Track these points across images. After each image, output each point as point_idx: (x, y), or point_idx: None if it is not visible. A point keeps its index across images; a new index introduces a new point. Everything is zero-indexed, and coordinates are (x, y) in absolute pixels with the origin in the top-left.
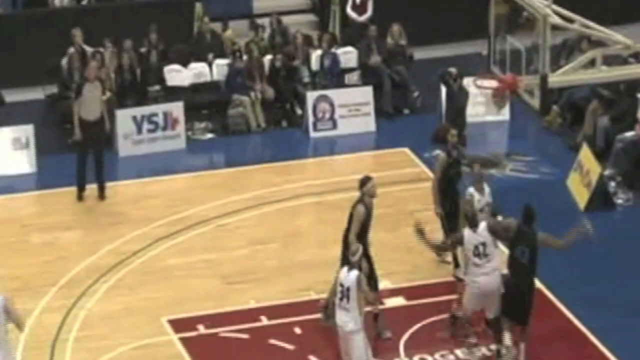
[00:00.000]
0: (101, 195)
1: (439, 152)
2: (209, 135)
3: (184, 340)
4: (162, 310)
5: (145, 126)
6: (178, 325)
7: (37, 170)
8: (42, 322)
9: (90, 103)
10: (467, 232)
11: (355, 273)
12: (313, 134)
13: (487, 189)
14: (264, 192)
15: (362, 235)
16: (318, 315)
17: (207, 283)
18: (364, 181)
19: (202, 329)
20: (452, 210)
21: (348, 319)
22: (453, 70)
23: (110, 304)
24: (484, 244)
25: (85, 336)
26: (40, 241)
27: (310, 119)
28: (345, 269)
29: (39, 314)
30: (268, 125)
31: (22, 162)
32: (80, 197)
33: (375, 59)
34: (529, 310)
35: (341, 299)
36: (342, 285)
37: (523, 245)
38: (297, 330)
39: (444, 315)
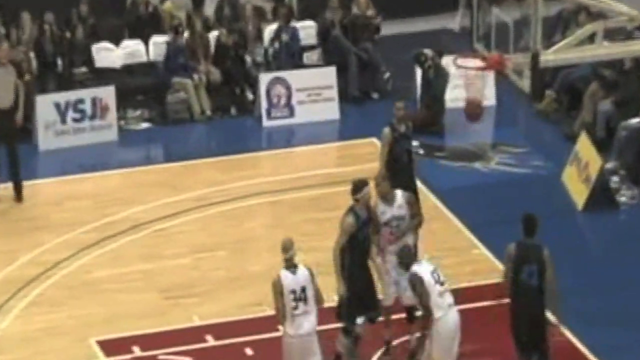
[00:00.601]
0: (18, 196)
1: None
2: (145, 125)
3: None
4: (90, 329)
5: (70, 115)
6: (110, 347)
7: None
8: None
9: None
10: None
11: (302, 269)
12: (267, 123)
13: (399, 200)
14: (209, 191)
15: (354, 250)
16: (271, 335)
17: (143, 298)
18: (359, 186)
19: (137, 351)
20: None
21: (314, 320)
22: (428, 51)
23: (29, 323)
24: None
25: None
26: None
27: (264, 105)
28: (284, 273)
29: None
30: (214, 112)
31: None
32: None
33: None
34: (545, 342)
35: (296, 306)
36: (293, 290)
37: (530, 264)
38: (249, 352)
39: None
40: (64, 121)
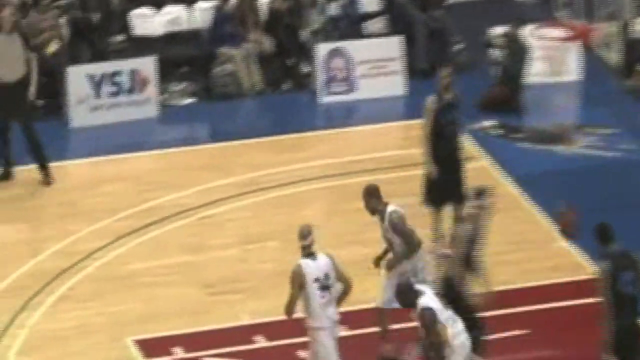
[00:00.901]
0: (45, 179)
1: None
2: (188, 100)
3: None
4: (126, 328)
5: (106, 88)
6: (148, 347)
7: None
8: None
9: (4, 60)
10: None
11: (322, 256)
12: (324, 99)
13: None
14: (259, 174)
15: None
16: None
17: (185, 293)
18: (483, 193)
19: (179, 353)
20: (447, 171)
21: (335, 310)
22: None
23: (59, 320)
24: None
25: None
26: None
27: (321, 79)
28: (304, 261)
29: None
30: (265, 87)
31: None
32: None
33: None
34: None
35: (323, 295)
36: (317, 278)
37: (629, 271)
38: (302, 354)
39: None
40: (98, 95)
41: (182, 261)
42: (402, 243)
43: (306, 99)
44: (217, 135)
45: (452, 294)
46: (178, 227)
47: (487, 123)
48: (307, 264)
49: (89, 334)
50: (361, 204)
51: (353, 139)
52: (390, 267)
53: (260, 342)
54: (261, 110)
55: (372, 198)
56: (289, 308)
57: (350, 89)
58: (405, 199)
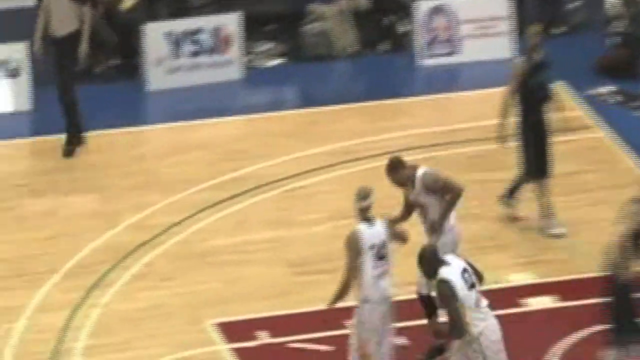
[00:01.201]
0: (67, 148)
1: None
2: (275, 62)
3: (238, 352)
4: (206, 309)
5: (186, 48)
6: (229, 331)
7: (32, 108)
8: (39, 325)
9: (54, 14)
10: None
11: (379, 222)
12: (424, 62)
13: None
14: (352, 143)
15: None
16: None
17: (270, 272)
18: None
19: (264, 337)
20: (531, 139)
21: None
22: None
23: (133, 300)
24: None
25: (100, 345)
26: (35, 209)
27: (421, 40)
28: (361, 226)
29: (32, 313)
30: (360, 48)
31: (11, 96)
32: (68, 152)
33: None
34: None
35: (377, 265)
36: (372, 246)
37: None
38: (397, 340)
39: None
40: (177, 56)
41: (267, 237)
42: (439, 198)
43: (404, 62)
44: (306, 100)
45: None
46: (263, 200)
47: (604, 89)
48: (363, 229)
49: (164, 316)
50: (458, 177)
51: (455, 106)
52: (436, 229)
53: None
54: (355, 73)
55: (400, 169)
56: (347, 279)
57: (453, 51)
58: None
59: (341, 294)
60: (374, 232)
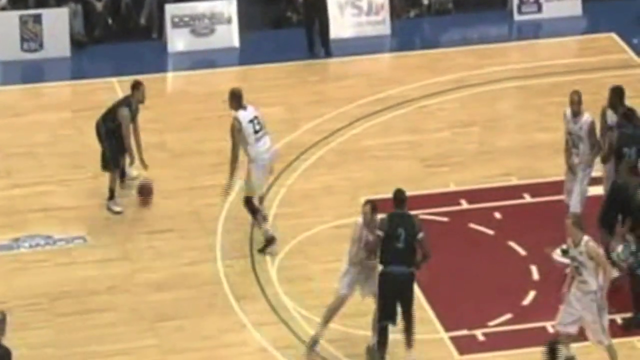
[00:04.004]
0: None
1: None
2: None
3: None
4: (361, 190)
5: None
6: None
7: (239, 46)
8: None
9: None
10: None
11: (250, 106)
12: (517, 17)
13: None
14: (466, 74)
15: None
16: (517, 201)
17: (407, 165)
18: None
19: None
20: None
21: None
22: None
23: (309, 182)
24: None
25: (285, 213)
26: None
27: (515, 1)
28: (240, 111)
29: (239, 190)
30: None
31: (225, 37)
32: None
33: None
34: None
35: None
36: (251, 120)
37: None
38: (497, 216)
39: None
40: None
41: (404, 140)
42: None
43: (503, 17)
44: (431, 44)
45: None
46: (402, 113)
47: None
48: (241, 112)
49: (332, 194)
50: (543, 100)
51: (539, 49)
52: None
53: (464, 204)
54: (465, 25)
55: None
56: (234, 153)
57: (538, 10)
58: None
59: (232, 165)
60: (247, 113)
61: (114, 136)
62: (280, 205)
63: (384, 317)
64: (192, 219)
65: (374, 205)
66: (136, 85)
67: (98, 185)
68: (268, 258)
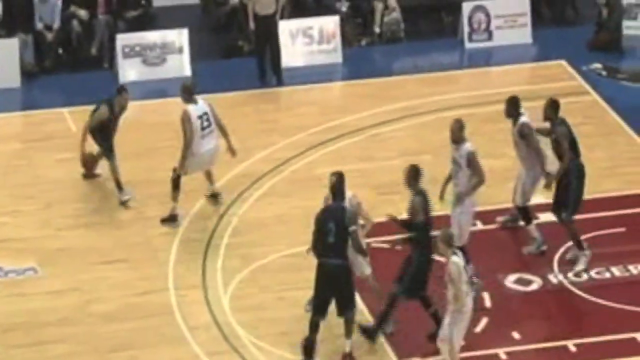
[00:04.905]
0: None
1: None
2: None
3: None
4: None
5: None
6: None
7: (191, 75)
8: (195, 228)
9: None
10: None
11: (201, 100)
12: (468, 45)
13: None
14: (415, 102)
15: None
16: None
17: (360, 193)
18: None
19: None
20: None
21: None
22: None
23: (262, 211)
24: None
25: (238, 242)
26: None
27: (466, 29)
28: (189, 106)
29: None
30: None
31: (176, 67)
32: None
33: None
34: None
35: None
36: (200, 116)
37: None
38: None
39: (604, 231)
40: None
41: (357, 168)
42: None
43: (453, 45)
44: (383, 72)
45: None
46: (353, 142)
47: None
48: (191, 107)
49: (285, 223)
50: (492, 127)
51: (490, 77)
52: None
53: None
54: (416, 53)
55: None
56: (185, 146)
57: (489, 38)
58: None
59: (183, 157)
60: (198, 108)
61: (102, 130)
62: (232, 235)
63: (315, 311)
64: (144, 249)
65: (340, 176)
66: (119, 90)
67: (49, 216)
68: (221, 287)
